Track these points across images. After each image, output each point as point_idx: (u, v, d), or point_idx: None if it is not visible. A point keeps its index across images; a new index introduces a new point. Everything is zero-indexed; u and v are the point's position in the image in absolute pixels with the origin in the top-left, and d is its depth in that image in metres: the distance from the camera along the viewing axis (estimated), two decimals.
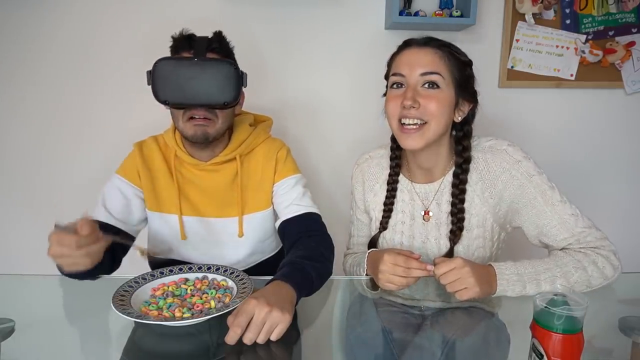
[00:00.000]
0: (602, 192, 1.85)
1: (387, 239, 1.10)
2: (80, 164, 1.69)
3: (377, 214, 1.13)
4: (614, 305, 0.97)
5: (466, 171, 1.00)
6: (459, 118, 1.00)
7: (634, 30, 1.71)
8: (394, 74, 0.99)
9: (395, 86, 0.99)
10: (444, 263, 0.88)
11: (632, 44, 1.71)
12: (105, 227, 1.04)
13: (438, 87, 0.94)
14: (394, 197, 1.09)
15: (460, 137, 1.02)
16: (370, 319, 0.88)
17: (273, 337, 0.71)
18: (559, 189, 0.98)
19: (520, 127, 1.78)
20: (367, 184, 1.15)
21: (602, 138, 1.82)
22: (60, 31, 1.59)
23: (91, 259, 0.77)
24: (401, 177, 1.10)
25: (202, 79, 0.96)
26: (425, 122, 0.95)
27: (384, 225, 1.10)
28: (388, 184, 1.10)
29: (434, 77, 0.94)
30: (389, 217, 1.10)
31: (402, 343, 0.77)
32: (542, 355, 0.61)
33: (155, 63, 0.97)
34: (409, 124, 0.96)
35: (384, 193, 1.11)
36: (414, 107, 0.94)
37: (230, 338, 0.70)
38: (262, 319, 0.71)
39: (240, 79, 1.01)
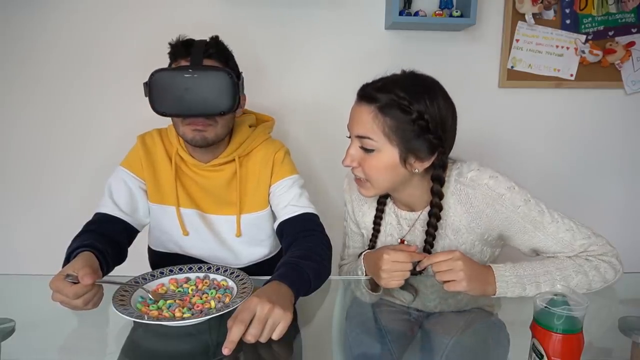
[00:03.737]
0: (602, 192, 1.85)
1: None
2: (83, 165, 1.69)
3: (367, 232, 1.13)
4: (614, 305, 0.97)
5: (437, 217, 0.97)
6: (417, 170, 0.93)
7: (633, 30, 1.71)
8: (347, 124, 0.97)
9: (349, 136, 0.98)
10: (442, 252, 0.89)
11: (632, 44, 1.71)
12: (112, 220, 1.05)
13: (373, 149, 0.92)
14: (381, 219, 1.09)
15: (433, 180, 0.96)
16: (369, 319, 0.88)
17: (275, 336, 0.71)
18: (549, 209, 0.94)
19: (520, 127, 1.78)
20: (356, 204, 1.15)
21: (602, 138, 1.82)
22: (64, 31, 1.59)
23: (92, 305, 0.79)
24: (389, 202, 1.09)
25: (198, 89, 0.96)
26: (366, 179, 0.96)
27: (373, 244, 1.11)
28: (377, 210, 1.09)
29: (365, 142, 0.92)
30: (377, 237, 1.10)
31: (402, 343, 0.77)
32: (542, 355, 0.62)
33: (151, 75, 0.97)
34: (356, 177, 0.98)
35: (372, 213, 1.11)
36: (353, 167, 0.96)
37: (234, 335, 0.68)
38: (265, 316, 0.71)
39: (236, 87, 0.99)
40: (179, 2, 1.60)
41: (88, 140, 1.68)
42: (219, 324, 0.78)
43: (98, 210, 1.06)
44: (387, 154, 0.91)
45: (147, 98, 0.99)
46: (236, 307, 0.75)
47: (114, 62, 1.62)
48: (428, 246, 0.99)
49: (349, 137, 0.97)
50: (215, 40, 1.07)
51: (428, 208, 0.99)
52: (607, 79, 1.74)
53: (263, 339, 0.71)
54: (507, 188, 0.93)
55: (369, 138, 0.91)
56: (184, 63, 1.01)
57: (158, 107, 0.99)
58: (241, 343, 0.69)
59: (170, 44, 1.06)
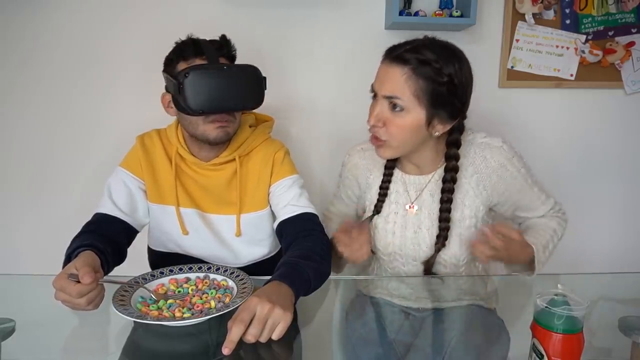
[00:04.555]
0: (602, 192, 1.84)
1: (380, 227, 1.11)
2: (85, 165, 1.68)
3: (370, 204, 1.15)
4: (614, 305, 0.97)
5: (454, 180, 1.02)
6: (437, 133, 0.98)
7: (633, 30, 1.71)
8: (373, 84, 1.00)
9: (373, 95, 1.00)
10: (507, 228, 0.94)
11: (631, 44, 1.71)
12: (111, 220, 1.05)
13: (402, 109, 0.94)
14: (388, 188, 1.12)
15: (448, 145, 1.03)
16: (369, 319, 0.88)
17: (275, 336, 0.72)
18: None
19: (520, 127, 1.78)
20: (361, 177, 1.18)
21: (602, 138, 1.81)
22: (66, 32, 1.59)
23: (94, 304, 0.78)
24: (395, 169, 1.12)
25: (235, 86, 1.00)
26: (387, 140, 0.98)
27: (378, 210, 1.12)
28: (384, 175, 1.12)
29: (395, 102, 0.94)
30: (382, 203, 1.12)
31: (402, 343, 0.77)
32: (543, 355, 0.62)
33: (185, 74, 0.96)
34: (375, 138, 1.01)
35: (378, 183, 1.13)
36: (377, 126, 0.98)
37: (233, 335, 0.68)
38: (265, 316, 0.71)
39: (264, 81, 1.08)
40: (181, 3, 1.60)
41: (89, 141, 1.68)
42: (219, 324, 0.78)
43: (97, 210, 1.06)
44: (414, 114, 0.94)
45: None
46: (236, 307, 0.75)
47: (116, 62, 1.62)
48: (446, 213, 1.03)
49: (372, 94, 1.00)
50: (224, 38, 1.08)
51: (437, 171, 1.06)
52: (607, 79, 1.74)
53: (263, 339, 0.71)
54: (515, 152, 1.07)
55: (398, 98, 0.93)
56: (198, 61, 1.01)
57: (195, 106, 0.98)
58: (241, 343, 0.69)
59: (177, 43, 1.06)
